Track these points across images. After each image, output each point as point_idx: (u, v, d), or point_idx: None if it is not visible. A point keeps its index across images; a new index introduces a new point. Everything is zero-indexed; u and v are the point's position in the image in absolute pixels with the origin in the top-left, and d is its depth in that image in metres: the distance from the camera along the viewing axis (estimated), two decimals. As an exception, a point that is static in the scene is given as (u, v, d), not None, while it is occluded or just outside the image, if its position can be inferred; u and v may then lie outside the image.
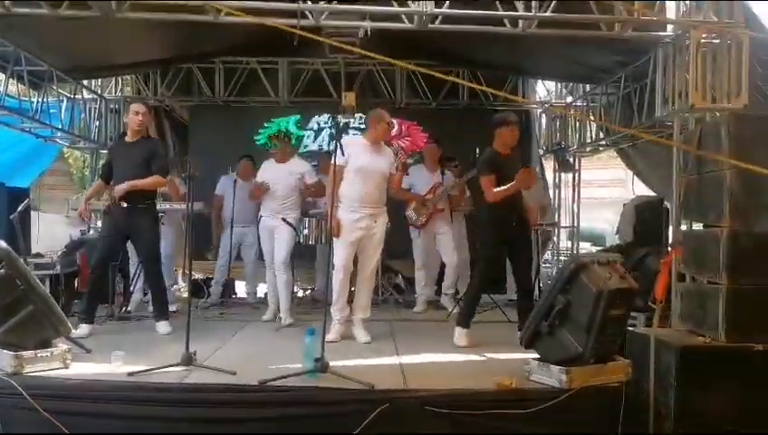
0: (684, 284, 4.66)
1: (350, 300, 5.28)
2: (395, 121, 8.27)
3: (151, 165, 5.20)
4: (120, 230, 5.28)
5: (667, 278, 4.39)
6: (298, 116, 8.63)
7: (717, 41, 4.92)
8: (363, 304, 5.20)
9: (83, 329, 5.05)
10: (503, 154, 5.04)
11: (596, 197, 14.76)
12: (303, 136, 8.62)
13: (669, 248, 4.85)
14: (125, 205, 5.14)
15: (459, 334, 4.98)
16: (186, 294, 7.02)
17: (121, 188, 5.10)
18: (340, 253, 5.03)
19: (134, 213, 5.17)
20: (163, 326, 5.29)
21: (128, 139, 5.32)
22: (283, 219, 5.86)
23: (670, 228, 5.63)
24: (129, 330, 5.45)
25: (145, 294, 6.38)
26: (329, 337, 5.09)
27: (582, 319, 3.63)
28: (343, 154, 4.59)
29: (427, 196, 6.49)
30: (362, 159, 4.96)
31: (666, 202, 6.71)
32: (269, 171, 6.03)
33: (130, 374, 3.82)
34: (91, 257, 6.78)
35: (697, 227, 4.78)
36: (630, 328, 4.37)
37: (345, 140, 4.70)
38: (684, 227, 4.90)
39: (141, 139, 5.35)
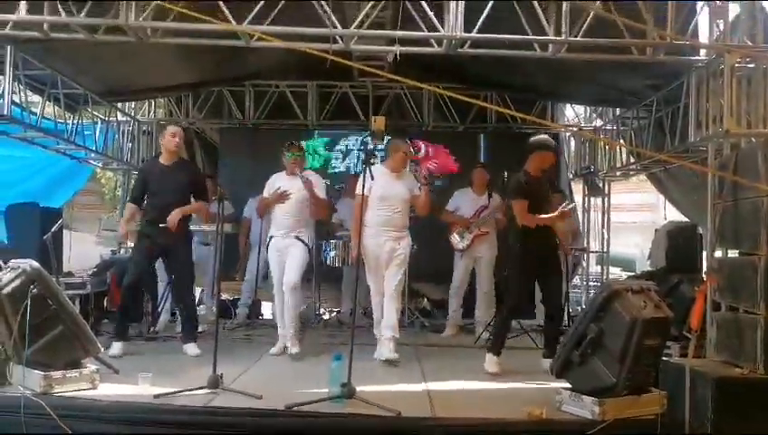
0: (719, 313, 4.54)
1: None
2: (422, 144, 8.34)
3: (193, 191, 5.41)
4: (155, 251, 5.34)
5: (702, 307, 4.28)
6: (326, 139, 8.70)
7: (752, 65, 4.84)
8: (390, 323, 5.14)
9: (116, 348, 5.11)
10: (534, 177, 5.02)
11: (625, 221, 14.56)
12: (332, 157, 8.66)
13: (704, 276, 4.73)
14: (162, 225, 5.22)
15: (489, 360, 4.91)
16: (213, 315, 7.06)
17: (174, 218, 5.19)
18: (371, 279, 5.28)
19: (173, 234, 5.24)
20: (192, 348, 5.30)
21: (164, 161, 5.39)
22: (297, 237, 5.41)
23: (704, 255, 5.51)
24: (156, 350, 5.47)
25: (172, 315, 6.43)
26: (377, 355, 5.19)
27: (616, 349, 3.54)
28: (372, 178, 4.59)
29: (471, 219, 6.47)
30: (382, 187, 5.12)
31: (699, 228, 6.59)
32: (279, 185, 5.49)
33: (157, 396, 3.82)
34: (121, 277, 6.90)
35: (733, 254, 4.67)
36: (665, 358, 4.25)
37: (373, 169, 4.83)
38: (719, 254, 4.79)
39: (179, 161, 5.46)
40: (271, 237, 5.51)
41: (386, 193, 5.16)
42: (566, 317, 7.37)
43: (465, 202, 6.59)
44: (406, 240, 5.29)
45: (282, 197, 5.35)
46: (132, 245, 6.98)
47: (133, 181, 9.00)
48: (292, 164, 5.49)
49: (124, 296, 5.41)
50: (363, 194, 4.87)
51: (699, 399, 3.84)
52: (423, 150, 8.39)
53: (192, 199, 5.43)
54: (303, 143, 5.66)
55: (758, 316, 3.96)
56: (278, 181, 5.53)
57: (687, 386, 3.87)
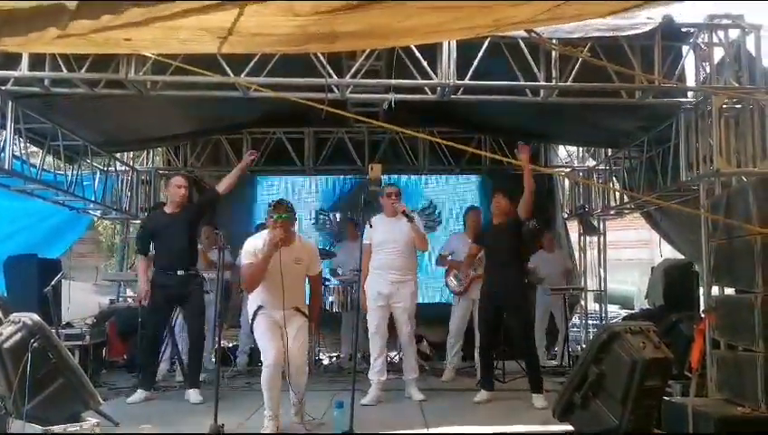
0: (719, 351, 4.56)
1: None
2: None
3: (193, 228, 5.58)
4: (172, 298, 5.45)
5: (701, 346, 4.31)
6: None
7: (739, 105, 4.96)
8: (410, 366, 5.51)
9: (139, 395, 5.28)
10: (493, 223, 5.54)
11: (621, 258, 14.59)
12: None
13: (702, 315, 4.76)
14: (180, 273, 5.40)
15: (480, 395, 5.34)
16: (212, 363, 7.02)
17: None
18: (370, 319, 5.40)
19: (187, 280, 5.44)
20: (194, 395, 5.32)
21: (168, 210, 5.56)
22: (296, 308, 4.43)
23: (701, 292, 5.55)
24: (155, 401, 5.42)
25: (172, 365, 6.39)
26: (364, 400, 5.19)
27: (617, 391, 3.55)
28: (371, 226, 4.67)
29: (467, 263, 6.49)
30: (381, 233, 5.34)
31: (695, 265, 6.63)
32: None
33: (158, 449, 3.80)
34: (121, 327, 6.90)
35: (729, 292, 4.70)
36: (666, 398, 4.25)
37: (373, 219, 5.28)
38: (715, 292, 4.83)
39: (183, 209, 5.58)
40: (260, 307, 4.39)
41: (383, 238, 5.34)
42: (566, 357, 7.41)
43: (459, 246, 6.62)
44: (408, 285, 5.43)
45: (276, 241, 4.22)
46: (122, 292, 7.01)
47: (132, 230, 9.13)
48: (279, 229, 4.25)
49: (146, 350, 5.55)
50: (366, 242, 5.14)
51: (703, 439, 3.83)
52: None
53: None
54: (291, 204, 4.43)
55: (757, 354, 3.98)
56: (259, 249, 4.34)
57: (690, 426, 3.88)
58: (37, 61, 4.95)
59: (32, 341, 3.85)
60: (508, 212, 5.39)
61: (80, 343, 6.04)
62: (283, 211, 4.31)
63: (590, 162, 8.99)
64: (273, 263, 4.24)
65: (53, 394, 3.91)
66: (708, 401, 4.34)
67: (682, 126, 5.44)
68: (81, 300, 8.95)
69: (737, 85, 4.97)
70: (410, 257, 5.47)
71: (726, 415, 3.94)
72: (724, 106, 4.95)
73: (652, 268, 8.01)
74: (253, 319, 4.44)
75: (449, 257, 6.63)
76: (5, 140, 5.56)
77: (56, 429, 3.82)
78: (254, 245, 4.39)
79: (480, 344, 5.60)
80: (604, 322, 8.22)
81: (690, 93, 5.37)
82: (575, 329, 9.30)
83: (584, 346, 7.97)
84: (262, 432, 4.20)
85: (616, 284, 12.08)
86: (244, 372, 6.86)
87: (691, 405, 4.02)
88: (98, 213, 8.45)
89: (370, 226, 4.75)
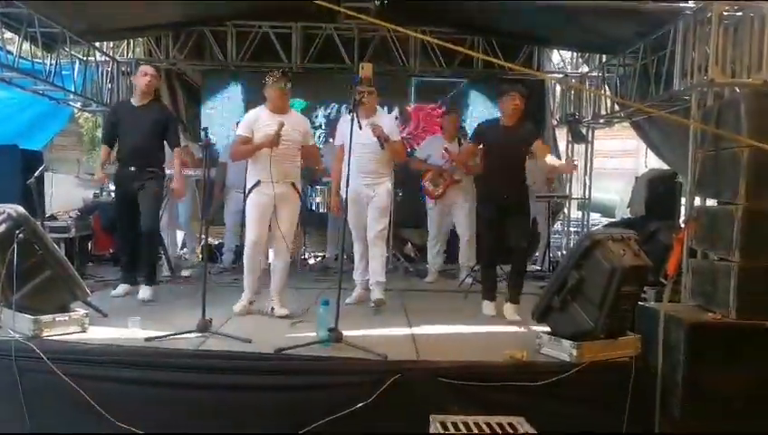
0: (695, 260, 4.66)
1: None
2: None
3: (166, 136, 5.29)
4: (128, 193, 5.32)
5: (679, 254, 4.40)
6: (303, 103, 8.46)
7: (740, 14, 4.84)
8: (374, 269, 5.24)
9: (120, 288, 5.38)
10: (504, 125, 5.04)
11: (606, 167, 14.63)
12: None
13: (682, 224, 4.83)
14: (132, 169, 5.24)
15: (485, 306, 5.14)
16: (197, 259, 7.11)
17: (181, 190, 5.42)
18: (350, 223, 5.21)
19: (140, 178, 5.26)
20: (143, 291, 5.28)
21: (135, 102, 5.33)
22: (293, 184, 4.81)
23: (683, 203, 5.62)
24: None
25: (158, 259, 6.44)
26: (348, 300, 5.27)
27: (595, 295, 3.66)
28: (360, 128, 4.57)
29: (443, 166, 6.47)
30: (355, 134, 4.56)
31: (679, 176, 6.68)
32: (266, 124, 4.71)
33: (148, 339, 3.89)
34: (105, 221, 6.91)
35: (711, 203, 4.76)
36: (641, 303, 4.38)
37: (341, 120, 5.09)
38: (698, 203, 4.88)
39: (152, 103, 5.35)
40: (258, 182, 4.72)
41: (354, 140, 4.62)
42: (547, 262, 7.59)
43: (436, 150, 6.58)
44: (383, 187, 5.23)
45: (277, 141, 4.57)
46: (106, 186, 7.02)
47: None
48: (281, 97, 4.72)
49: (119, 246, 5.67)
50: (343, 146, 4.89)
51: (672, 342, 3.99)
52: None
53: (165, 143, 5.38)
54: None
55: (732, 263, 4.08)
56: (263, 119, 4.74)
57: (661, 330, 4.03)
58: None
59: (17, 232, 3.83)
60: (523, 116, 5.06)
61: (65, 235, 6.06)
62: (285, 81, 4.71)
63: (584, 69, 8.83)
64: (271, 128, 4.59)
65: (41, 285, 3.94)
66: (680, 307, 4.48)
67: (680, 33, 5.32)
68: (64, 192, 8.90)
69: (739, -8, 4.83)
70: (384, 160, 5.20)
71: (697, 320, 4.07)
72: (725, 13, 4.82)
73: (636, 177, 8.06)
74: (248, 194, 4.80)
75: (427, 161, 6.60)
76: (-21, 25, 5.32)
77: (45, 318, 3.88)
78: (248, 121, 4.82)
79: (484, 256, 5.29)
80: (586, 229, 8.35)
81: (691, -1, 5.22)
82: (557, 236, 9.47)
83: (565, 253, 8.17)
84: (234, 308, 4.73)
85: (599, 192, 12.17)
86: (229, 269, 6.97)
87: (663, 310, 4.16)
88: (78, 105, 8.23)
89: (360, 126, 4.52)
